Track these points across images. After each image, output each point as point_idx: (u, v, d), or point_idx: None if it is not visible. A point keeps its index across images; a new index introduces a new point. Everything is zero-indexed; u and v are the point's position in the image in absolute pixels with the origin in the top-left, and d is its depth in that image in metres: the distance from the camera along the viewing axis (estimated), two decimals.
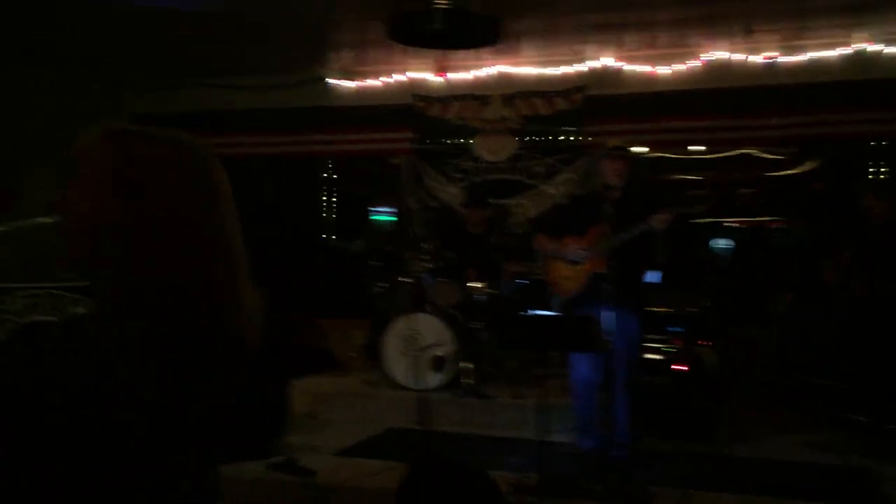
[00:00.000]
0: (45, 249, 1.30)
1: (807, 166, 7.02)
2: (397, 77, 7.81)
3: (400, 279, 6.59)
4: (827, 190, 6.94)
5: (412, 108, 7.81)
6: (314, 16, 6.23)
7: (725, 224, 7.16)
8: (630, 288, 4.62)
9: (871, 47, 6.61)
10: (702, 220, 6.67)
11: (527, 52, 7.24)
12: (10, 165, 7.21)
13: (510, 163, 7.63)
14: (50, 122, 7.03)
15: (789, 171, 7.05)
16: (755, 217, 7.16)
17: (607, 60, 7.22)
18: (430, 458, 4.16)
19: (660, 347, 5.61)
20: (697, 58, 7.02)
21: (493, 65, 7.50)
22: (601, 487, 4.30)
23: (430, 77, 7.78)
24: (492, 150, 7.70)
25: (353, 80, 7.93)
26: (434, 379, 6.11)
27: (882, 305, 5.34)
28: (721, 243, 7.15)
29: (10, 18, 6.30)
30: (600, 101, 7.29)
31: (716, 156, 7.21)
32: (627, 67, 7.23)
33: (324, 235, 8.22)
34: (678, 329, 5.99)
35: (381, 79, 7.86)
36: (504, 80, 7.57)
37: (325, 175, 8.37)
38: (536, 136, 7.56)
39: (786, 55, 6.82)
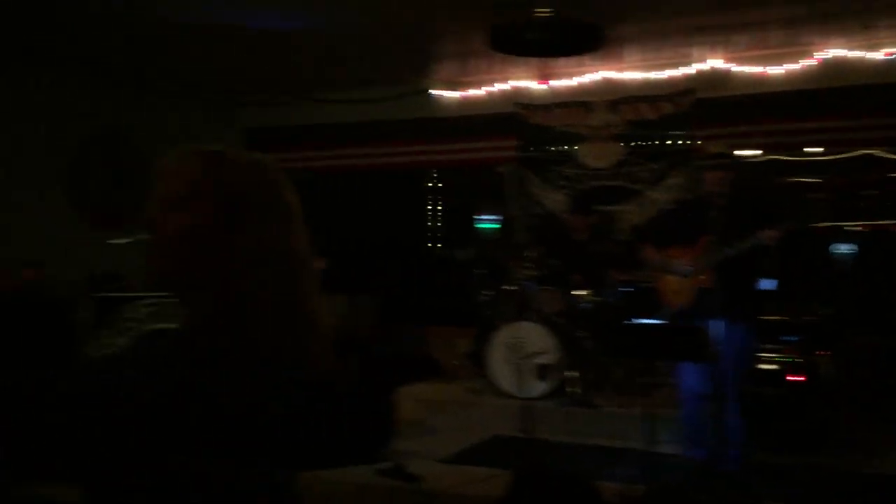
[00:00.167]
0: None
1: None
2: (500, 86, 7.86)
3: (504, 287, 6.61)
4: None
5: (515, 116, 7.84)
6: (417, 28, 6.36)
7: (847, 228, 6.87)
8: (740, 299, 4.50)
9: None
10: (822, 225, 6.41)
11: (630, 57, 7.16)
12: (128, 184, 7.60)
13: (615, 169, 7.55)
14: (172, 141, 7.40)
15: None
16: (879, 220, 6.84)
17: (715, 62, 7.06)
18: (535, 467, 4.17)
19: (774, 357, 5.44)
20: (811, 56, 6.77)
21: (597, 70, 7.45)
22: (709, 498, 4.19)
23: (532, 85, 7.79)
24: (596, 156, 7.64)
25: (456, 90, 8.03)
26: (538, 387, 6.09)
27: None
28: (842, 248, 6.88)
29: (143, 46, 6.71)
30: (709, 104, 7.13)
31: (835, 157, 6.92)
32: (736, 68, 7.04)
33: (430, 245, 8.34)
34: (794, 338, 5.80)
35: (483, 88, 7.93)
36: (608, 85, 7.50)
37: (431, 185, 8.50)
38: (642, 142, 7.44)
39: None
